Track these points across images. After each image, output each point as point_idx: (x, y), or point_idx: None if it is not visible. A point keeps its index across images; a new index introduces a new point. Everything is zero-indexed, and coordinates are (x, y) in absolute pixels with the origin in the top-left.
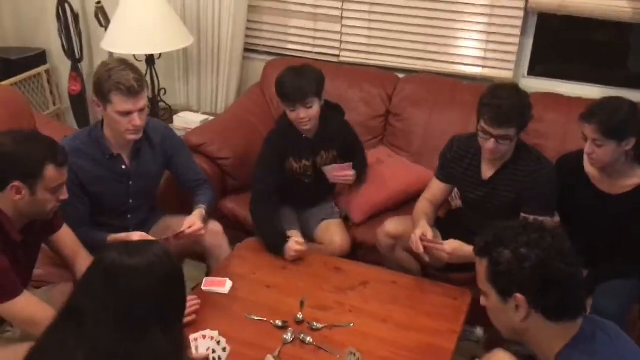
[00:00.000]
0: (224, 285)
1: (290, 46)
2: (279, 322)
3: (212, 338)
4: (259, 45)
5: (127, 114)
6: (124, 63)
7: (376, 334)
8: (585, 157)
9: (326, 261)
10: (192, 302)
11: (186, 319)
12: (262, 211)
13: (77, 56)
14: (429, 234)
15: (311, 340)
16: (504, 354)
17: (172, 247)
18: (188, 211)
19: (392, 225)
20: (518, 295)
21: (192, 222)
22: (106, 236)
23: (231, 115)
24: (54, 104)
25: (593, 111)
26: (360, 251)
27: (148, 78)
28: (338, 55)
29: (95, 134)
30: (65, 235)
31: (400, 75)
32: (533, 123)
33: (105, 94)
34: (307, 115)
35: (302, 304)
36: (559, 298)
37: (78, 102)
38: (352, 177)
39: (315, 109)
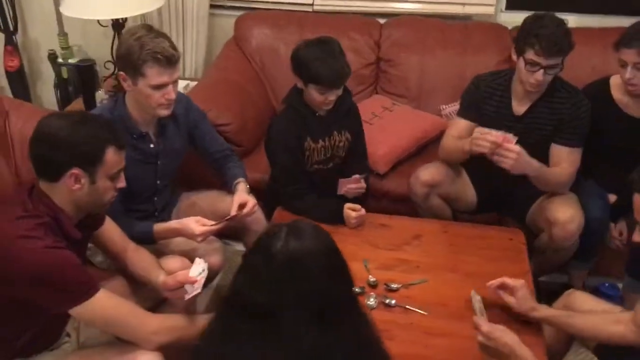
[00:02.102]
0: None
1: None
2: (356, 289)
3: None
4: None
5: (161, 86)
6: (151, 29)
7: (455, 285)
8: (615, 84)
9: (371, 220)
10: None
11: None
12: (302, 201)
13: (11, 27)
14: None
15: (395, 302)
16: (581, 293)
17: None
18: (205, 186)
19: (427, 173)
20: None
21: (243, 199)
22: (151, 225)
23: (215, 78)
24: None
25: (632, 36)
26: (384, 200)
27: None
28: (311, 4)
29: (118, 112)
30: (112, 229)
31: (381, 20)
32: None
33: (137, 67)
34: (336, 97)
35: (366, 266)
36: None
37: (17, 79)
38: (364, 189)
39: (342, 87)
